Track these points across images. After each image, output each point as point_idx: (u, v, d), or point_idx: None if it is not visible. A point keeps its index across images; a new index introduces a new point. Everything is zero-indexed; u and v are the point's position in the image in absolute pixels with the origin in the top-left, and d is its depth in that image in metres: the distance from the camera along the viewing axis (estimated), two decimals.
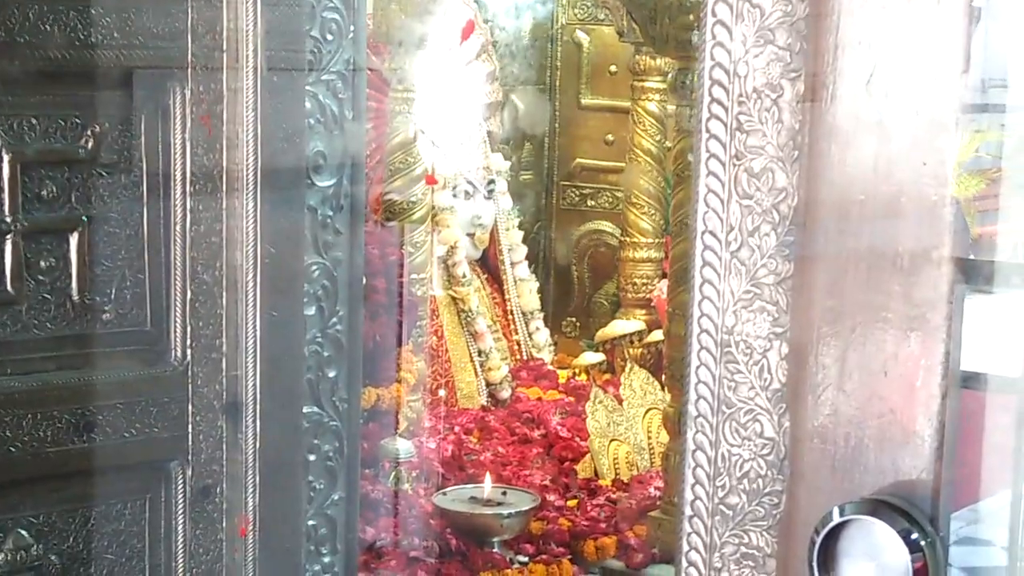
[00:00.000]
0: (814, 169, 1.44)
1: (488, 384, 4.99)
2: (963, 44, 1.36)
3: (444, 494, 4.02)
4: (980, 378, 1.44)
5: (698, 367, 1.53)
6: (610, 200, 5.62)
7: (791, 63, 1.45)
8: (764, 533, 1.53)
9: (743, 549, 1.55)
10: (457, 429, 4.57)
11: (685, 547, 1.57)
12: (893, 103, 1.38)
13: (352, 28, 2.68)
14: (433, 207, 4.74)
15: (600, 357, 5.30)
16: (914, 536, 1.37)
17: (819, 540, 1.41)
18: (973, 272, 1.41)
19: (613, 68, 5.58)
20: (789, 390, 1.49)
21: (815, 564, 1.40)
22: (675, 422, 4.04)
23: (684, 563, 1.57)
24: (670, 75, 4.19)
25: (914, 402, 1.43)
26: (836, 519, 1.39)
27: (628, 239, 5.31)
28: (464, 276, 4.98)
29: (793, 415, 1.49)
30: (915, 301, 1.42)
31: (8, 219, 2.26)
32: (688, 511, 1.56)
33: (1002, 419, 1.43)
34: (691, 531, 1.56)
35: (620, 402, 4.68)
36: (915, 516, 1.39)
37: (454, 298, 4.98)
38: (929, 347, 1.42)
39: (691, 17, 3.90)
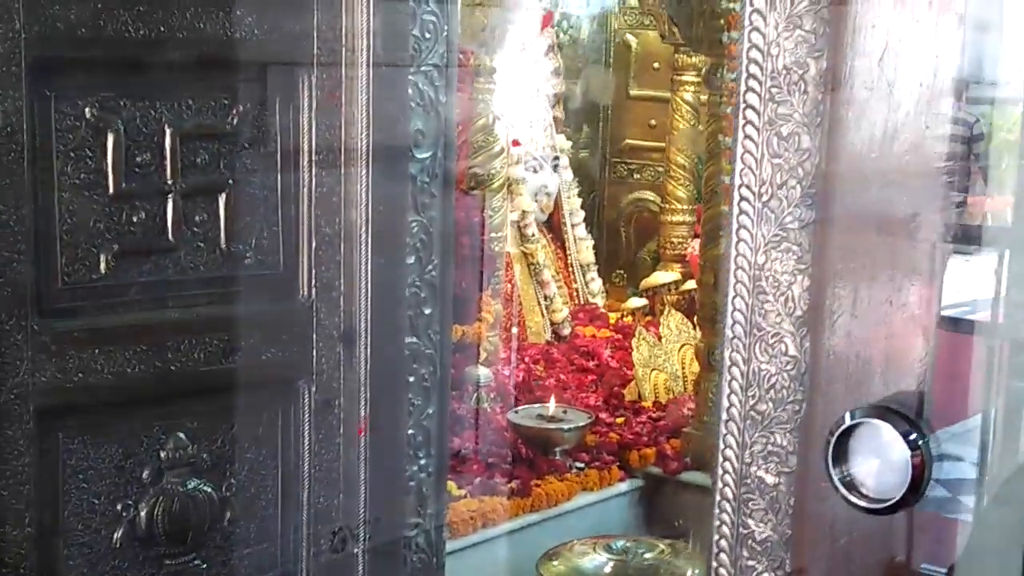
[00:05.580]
0: (834, 132, 1.41)
1: (552, 323, 4.99)
2: (959, 28, 1.33)
3: (516, 412, 4.03)
4: (961, 322, 1.42)
5: (734, 298, 1.51)
6: (652, 174, 5.59)
7: (815, 44, 1.42)
8: (787, 435, 1.51)
9: (770, 448, 1.53)
10: (527, 360, 4.58)
11: (721, 446, 1.55)
12: (900, 76, 1.35)
13: (446, 28, 2.66)
14: (508, 178, 4.73)
15: (643, 302, 5.29)
16: (913, 436, 1.36)
17: (833, 440, 1.39)
18: (959, 233, 1.39)
19: (656, 65, 5.54)
20: (810, 316, 1.47)
21: (830, 460, 1.39)
22: (705, 355, 4.02)
23: (720, 459, 1.55)
24: (704, 70, 4.13)
25: (914, 328, 1.41)
26: (848, 422, 1.38)
27: (667, 206, 5.29)
28: (533, 235, 4.97)
29: (812, 337, 1.47)
30: (917, 246, 1.40)
31: (170, 182, 2.27)
32: (724, 416, 1.54)
33: (977, 356, 1.41)
34: (727, 432, 1.54)
35: (659, 339, 4.67)
36: (914, 420, 1.37)
37: (525, 253, 4.97)
38: (927, 285, 1.40)
39: (722, 22, 3.84)
